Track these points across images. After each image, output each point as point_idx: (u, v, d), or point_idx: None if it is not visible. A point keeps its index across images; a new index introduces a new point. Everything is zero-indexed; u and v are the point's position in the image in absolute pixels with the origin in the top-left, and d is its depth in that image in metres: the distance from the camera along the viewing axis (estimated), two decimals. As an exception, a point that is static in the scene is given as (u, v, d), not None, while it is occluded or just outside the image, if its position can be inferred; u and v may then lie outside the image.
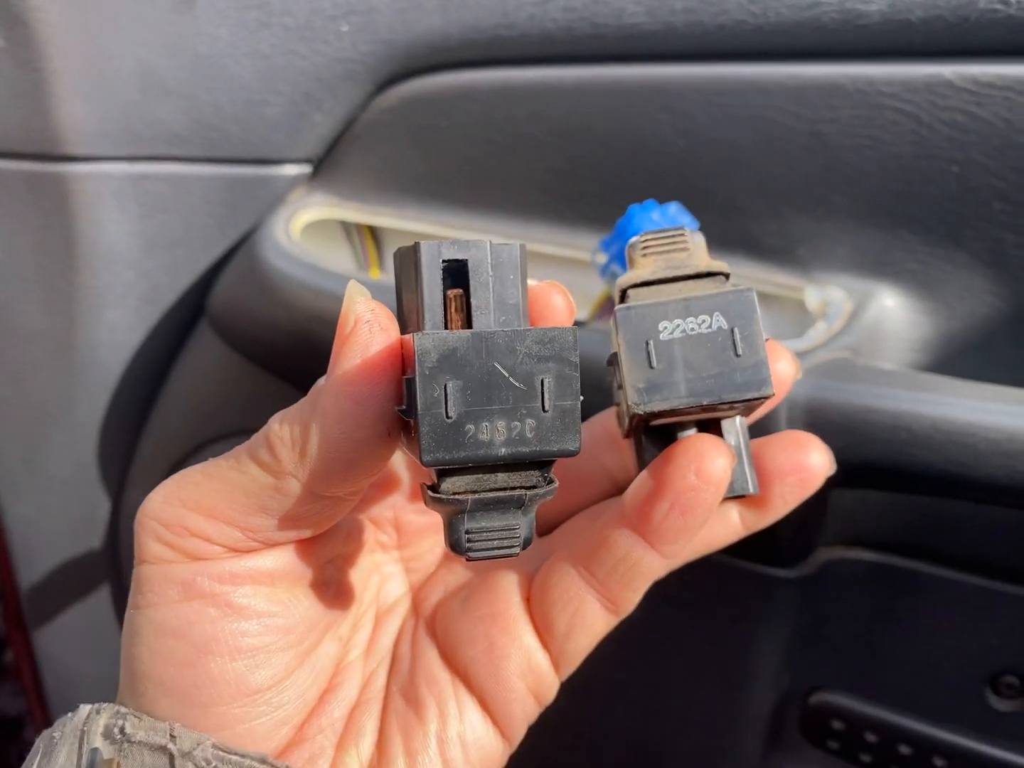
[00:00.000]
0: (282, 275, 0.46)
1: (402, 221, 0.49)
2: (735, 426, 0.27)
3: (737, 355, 0.24)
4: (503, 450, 0.21)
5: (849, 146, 0.42)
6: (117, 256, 0.52)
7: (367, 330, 0.22)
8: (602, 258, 0.39)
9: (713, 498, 0.25)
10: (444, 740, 0.27)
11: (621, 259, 0.38)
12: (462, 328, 0.23)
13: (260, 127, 0.49)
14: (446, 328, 0.22)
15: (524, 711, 0.28)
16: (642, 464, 0.27)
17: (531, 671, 0.28)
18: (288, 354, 0.47)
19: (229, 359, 0.52)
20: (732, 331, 0.24)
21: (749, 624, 0.45)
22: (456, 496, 0.22)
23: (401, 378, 0.22)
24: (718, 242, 0.45)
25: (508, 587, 0.29)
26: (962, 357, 0.44)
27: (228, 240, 0.52)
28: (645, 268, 0.26)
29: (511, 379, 0.21)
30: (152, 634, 0.25)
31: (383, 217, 0.49)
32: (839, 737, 0.46)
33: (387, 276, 0.52)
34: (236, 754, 0.25)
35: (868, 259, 0.44)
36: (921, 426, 0.37)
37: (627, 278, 0.26)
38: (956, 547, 0.44)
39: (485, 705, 0.28)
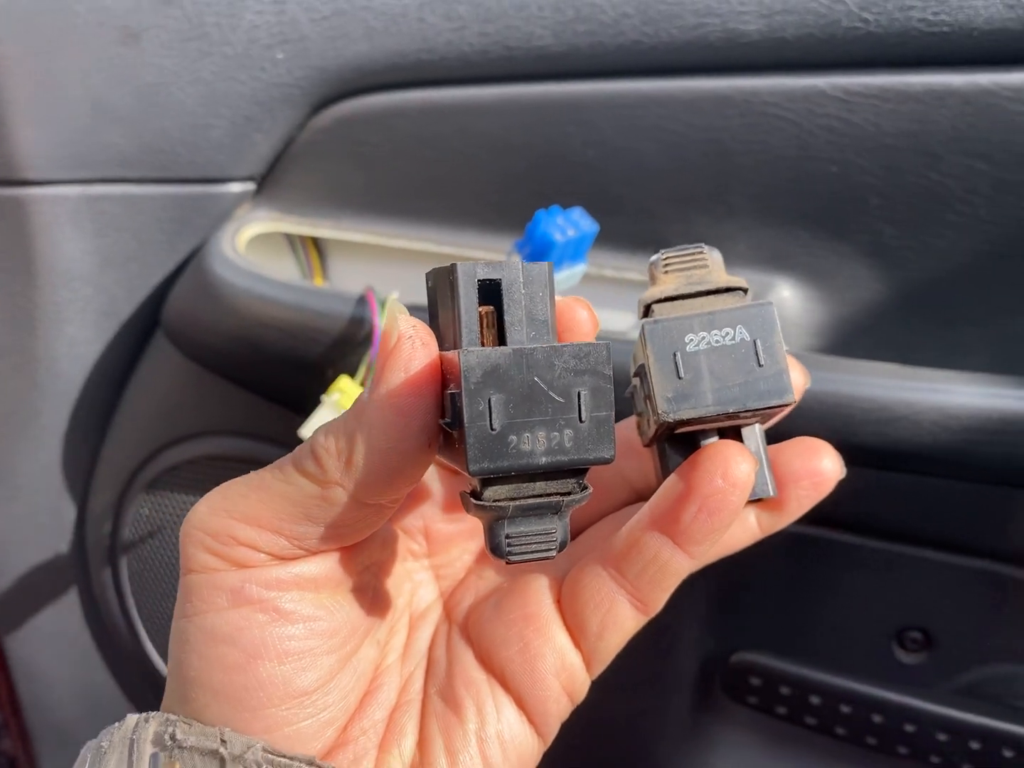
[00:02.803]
0: (228, 285, 0.49)
1: (342, 232, 0.53)
2: (754, 433, 0.28)
3: (760, 365, 0.25)
4: (543, 459, 0.22)
5: (741, 151, 0.46)
6: (75, 273, 0.55)
7: (409, 345, 0.23)
8: (516, 258, 0.43)
9: (739, 500, 0.26)
10: (483, 739, 0.28)
11: (533, 259, 0.42)
12: (494, 342, 0.24)
13: (205, 149, 0.52)
14: (481, 343, 0.24)
15: (558, 709, 0.29)
16: (666, 471, 0.28)
17: (565, 670, 0.28)
18: (237, 358, 0.51)
19: (184, 366, 0.55)
20: (755, 343, 0.25)
21: (674, 593, 0.49)
22: (497, 503, 0.23)
23: (441, 391, 0.24)
24: (631, 243, 0.49)
25: (539, 590, 0.29)
26: (852, 339, 0.48)
27: (180, 255, 0.55)
28: (667, 284, 0.27)
29: (550, 392, 0.22)
30: (202, 641, 0.26)
31: (323, 229, 0.53)
32: (757, 692, 0.50)
33: (330, 283, 0.56)
34: (285, 757, 0.26)
35: (766, 254, 0.48)
36: (806, 400, 0.41)
37: (650, 294, 0.28)
38: (858, 514, 0.48)
39: (521, 704, 0.29)
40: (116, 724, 0.27)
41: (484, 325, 0.24)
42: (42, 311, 0.56)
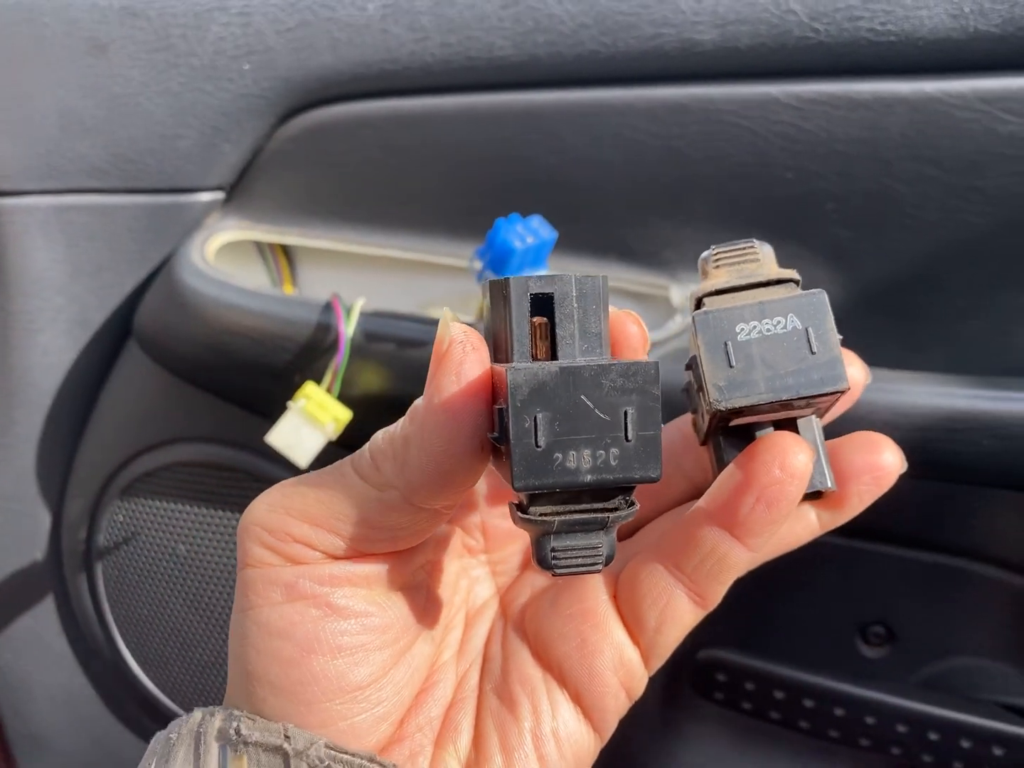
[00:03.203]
0: (197, 293, 0.50)
1: (310, 239, 0.54)
2: (811, 424, 0.28)
3: (812, 352, 0.25)
4: (588, 477, 0.23)
5: (699, 158, 0.47)
6: (46, 283, 0.55)
7: (460, 349, 0.24)
8: (478, 265, 0.44)
9: (797, 491, 0.26)
10: (539, 736, 0.28)
11: (494, 266, 0.43)
12: (547, 354, 0.24)
13: (174, 159, 0.53)
14: (532, 355, 0.24)
15: (616, 705, 0.29)
16: (722, 466, 0.28)
17: (623, 665, 0.28)
18: (206, 366, 0.52)
19: (156, 374, 0.56)
20: (807, 331, 0.25)
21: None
22: (544, 517, 0.24)
23: (492, 401, 0.24)
24: (593, 249, 0.50)
25: (596, 586, 0.29)
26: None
27: (151, 263, 0.56)
28: (719, 278, 0.28)
29: (596, 411, 0.22)
30: (259, 635, 0.27)
31: (292, 236, 0.54)
32: (723, 688, 0.51)
33: (299, 291, 0.56)
34: (347, 753, 0.26)
35: (725, 258, 0.49)
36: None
37: (702, 287, 0.28)
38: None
39: (578, 700, 0.29)
40: (183, 717, 0.28)
41: (537, 337, 0.24)
42: (15, 320, 0.56)
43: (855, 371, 0.29)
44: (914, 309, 0.48)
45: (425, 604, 0.30)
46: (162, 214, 0.54)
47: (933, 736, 0.47)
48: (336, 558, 0.27)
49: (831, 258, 0.48)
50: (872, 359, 0.47)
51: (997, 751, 0.47)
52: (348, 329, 0.46)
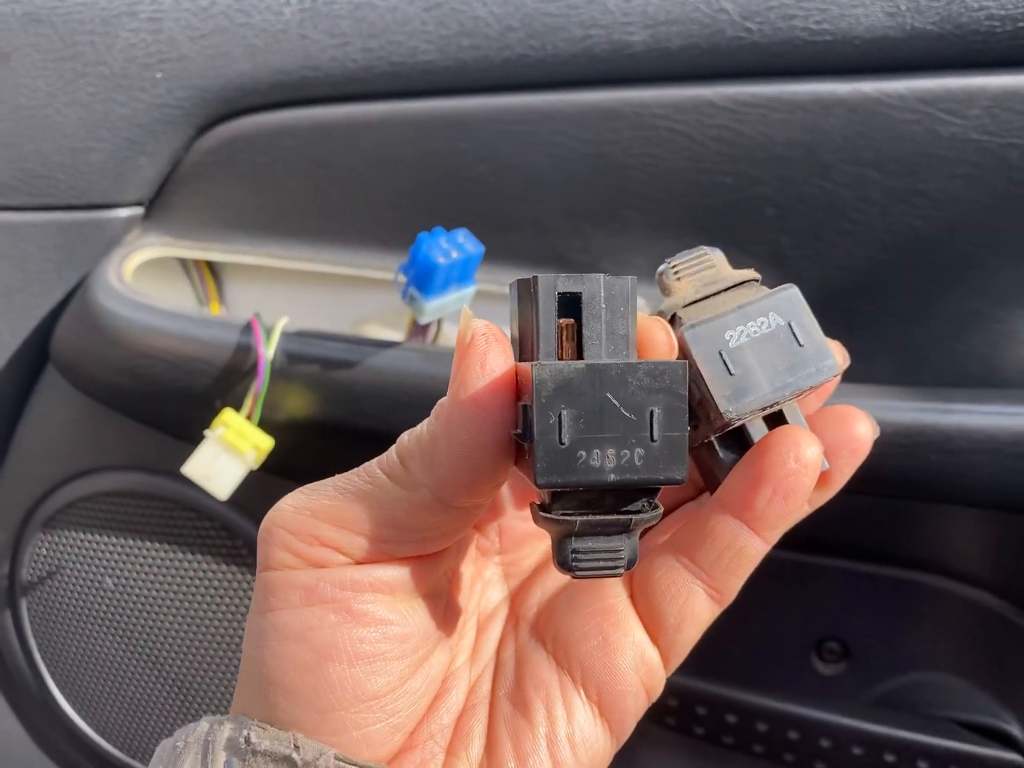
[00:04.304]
0: (112, 315, 0.47)
1: (235, 255, 0.51)
2: (795, 409, 0.29)
3: (800, 345, 0.26)
4: (612, 476, 0.22)
5: (633, 165, 0.45)
6: (-44, 306, 0.52)
7: (483, 341, 0.24)
8: (403, 280, 0.41)
9: (811, 482, 0.26)
10: (554, 741, 0.28)
11: (418, 282, 0.40)
12: (573, 355, 0.24)
13: (87, 173, 0.50)
14: (558, 355, 0.24)
15: (636, 705, 0.29)
16: (719, 468, 0.29)
17: (644, 664, 0.28)
18: (125, 391, 0.49)
19: (76, 400, 0.53)
20: (789, 325, 0.26)
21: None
22: (565, 517, 0.23)
23: (516, 394, 0.24)
24: (529, 259, 0.48)
25: (614, 583, 0.29)
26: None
27: (67, 284, 0.53)
28: (685, 290, 0.28)
29: (622, 409, 0.22)
30: (275, 638, 0.26)
31: (216, 252, 0.51)
32: (674, 713, 0.49)
33: (228, 309, 0.54)
34: (356, 764, 0.26)
35: (664, 267, 0.47)
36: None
37: (671, 303, 0.28)
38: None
39: (598, 701, 0.28)
40: (191, 725, 0.27)
41: (563, 338, 0.24)
42: (-76, 346, 0.53)
43: (838, 357, 0.29)
44: (857, 317, 0.46)
45: (446, 612, 0.29)
46: (76, 232, 0.52)
47: (889, 758, 0.46)
48: (362, 562, 0.26)
49: (772, 265, 0.46)
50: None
51: (954, 771, 0.45)
52: (268, 351, 0.43)
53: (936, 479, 0.39)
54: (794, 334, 0.26)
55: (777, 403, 0.26)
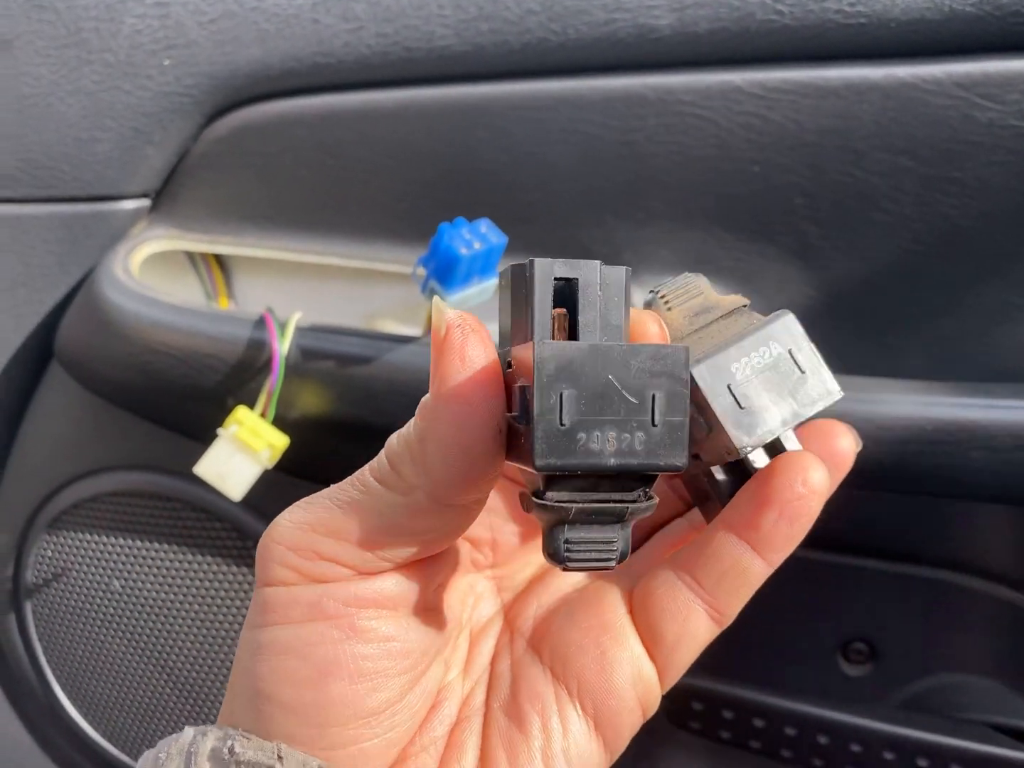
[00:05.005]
0: (119, 310, 0.46)
1: (244, 248, 0.50)
2: (788, 433, 0.29)
3: (801, 372, 0.26)
4: (612, 460, 0.22)
5: (658, 153, 0.44)
6: (-43, 301, 0.51)
7: (459, 332, 0.23)
8: (422, 273, 0.40)
9: (818, 506, 0.26)
10: (549, 755, 0.28)
11: (439, 274, 0.39)
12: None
13: (92, 164, 0.49)
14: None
15: (631, 721, 0.28)
16: (718, 491, 0.29)
17: (641, 681, 0.28)
18: (133, 388, 0.47)
19: (82, 397, 0.52)
20: (790, 352, 0.26)
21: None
22: (560, 504, 0.23)
23: (507, 382, 0.23)
24: (548, 251, 0.47)
25: (614, 599, 0.29)
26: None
27: (72, 278, 0.51)
28: (676, 320, 0.28)
29: (624, 392, 0.22)
30: (274, 653, 0.26)
31: (224, 245, 0.50)
32: (699, 717, 0.48)
33: (236, 304, 0.52)
34: None
35: (688, 258, 0.46)
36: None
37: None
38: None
39: (594, 715, 0.28)
40: (174, 736, 0.27)
41: (556, 327, 0.24)
42: (-76, 343, 0.52)
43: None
44: (888, 309, 0.45)
45: (442, 625, 0.29)
46: (81, 224, 0.50)
47: (922, 763, 0.45)
48: (365, 573, 0.26)
49: (800, 256, 0.45)
50: (845, 363, 0.44)
51: (989, 775, 0.44)
52: (282, 347, 0.42)
53: (979, 477, 0.38)
54: (795, 361, 0.26)
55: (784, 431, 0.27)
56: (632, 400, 0.22)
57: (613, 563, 0.24)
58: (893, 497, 0.46)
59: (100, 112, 0.48)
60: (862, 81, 0.40)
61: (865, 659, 0.50)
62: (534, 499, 0.23)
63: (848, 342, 0.45)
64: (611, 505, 0.23)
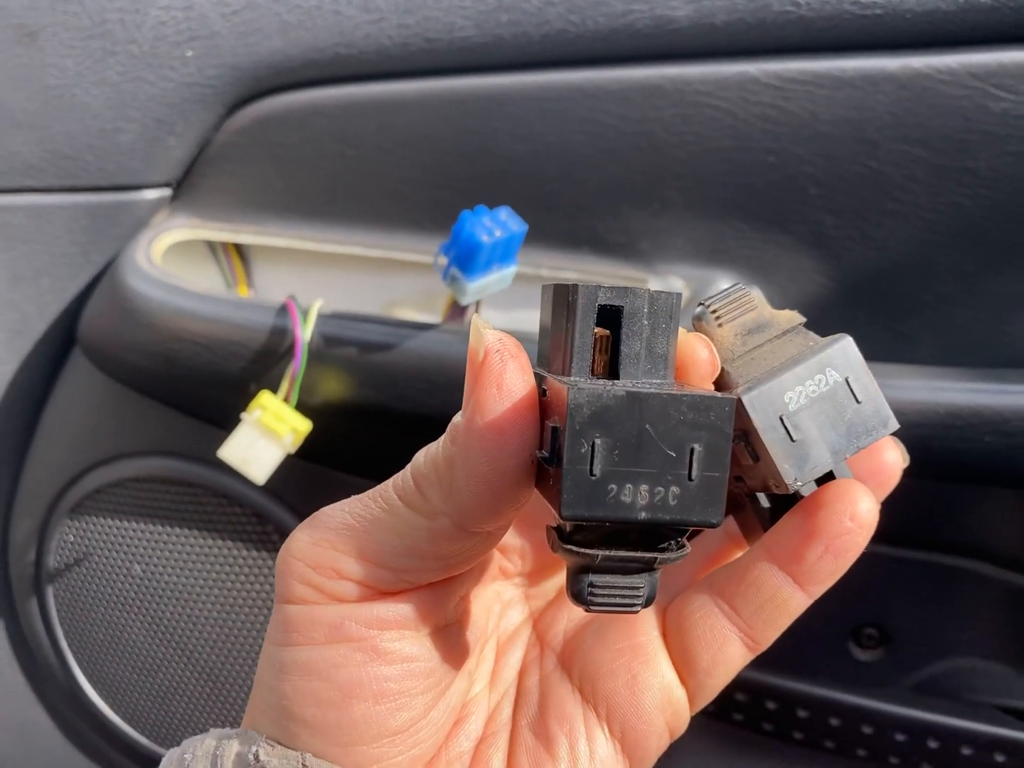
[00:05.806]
0: (142, 298, 0.46)
1: (265, 237, 0.50)
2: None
3: (858, 402, 0.25)
4: (643, 514, 0.21)
5: (675, 143, 0.44)
6: (-18, 290, 0.52)
7: (498, 359, 0.22)
8: (443, 261, 0.41)
9: (865, 541, 0.26)
10: None
11: (460, 262, 0.40)
12: (605, 370, 0.23)
13: (115, 154, 0.49)
14: (592, 368, 0.23)
15: (659, 745, 0.28)
16: (760, 513, 0.28)
17: (670, 705, 0.28)
18: (156, 375, 0.48)
19: (104, 384, 0.52)
20: (847, 381, 0.25)
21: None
22: (586, 551, 0.22)
23: (540, 416, 0.22)
24: (566, 241, 0.47)
25: (646, 620, 0.28)
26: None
27: (95, 267, 0.52)
28: (727, 337, 0.27)
29: (661, 444, 0.21)
30: (297, 673, 0.26)
31: (245, 235, 0.50)
32: (713, 699, 0.49)
33: (255, 293, 0.53)
34: None
35: (704, 248, 0.46)
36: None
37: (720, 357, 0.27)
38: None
39: (622, 738, 0.28)
40: (199, 737, 0.27)
41: (597, 350, 0.23)
42: (-51, 331, 0.52)
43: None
44: (903, 297, 0.45)
45: (467, 640, 0.29)
46: (104, 214, 0.51)
47: (932, 744, 0.45)
48: (385, 593, 0.26)
49: (815, 245, 0.45)
50: (863, 352, 0.45)
51: (999, 757, 0.45)
52: (305, 333, 0.43)
53: (991, 461, 0.39)
54: (851, 390, 0.25)
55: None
56: (669, 453, 0.21)
57: (639, 608, 0.23)
58: (905, 482, 0.46)
59: (124, 103, 0.48)
60: (877, 72, 0.41)
61: (876, 644, 0.50)
62: (560, 542, 0.22)
63: (864, 330, 0.46)
64: (640, 554, 0.22)
